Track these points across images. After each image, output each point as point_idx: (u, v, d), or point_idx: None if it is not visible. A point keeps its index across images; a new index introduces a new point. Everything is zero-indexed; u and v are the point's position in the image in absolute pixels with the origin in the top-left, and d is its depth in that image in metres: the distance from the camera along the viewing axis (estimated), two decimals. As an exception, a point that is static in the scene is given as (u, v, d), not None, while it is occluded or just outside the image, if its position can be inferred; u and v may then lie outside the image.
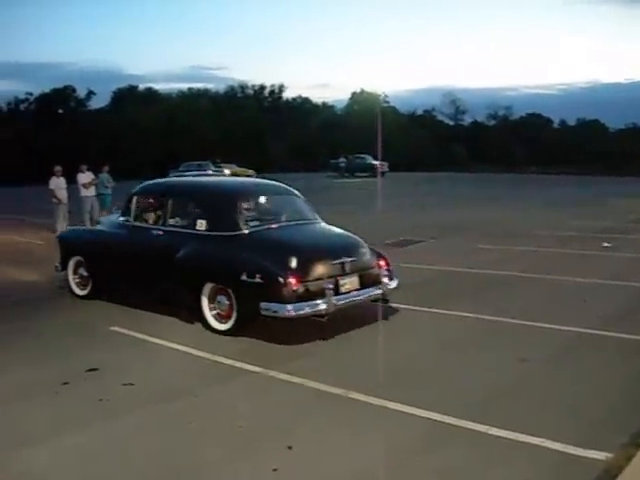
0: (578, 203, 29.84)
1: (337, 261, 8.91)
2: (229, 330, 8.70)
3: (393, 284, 9.63)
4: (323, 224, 10.58)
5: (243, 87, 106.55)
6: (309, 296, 8.35)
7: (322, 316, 8.35)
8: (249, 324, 8.63)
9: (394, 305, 9.70)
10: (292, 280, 8.25)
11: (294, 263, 8.39)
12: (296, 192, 11.11)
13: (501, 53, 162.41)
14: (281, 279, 8.26)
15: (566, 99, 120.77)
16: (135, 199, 10.86)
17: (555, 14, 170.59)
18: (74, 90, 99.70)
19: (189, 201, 10.41)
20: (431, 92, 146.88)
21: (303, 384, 6.70)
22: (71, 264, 11.46)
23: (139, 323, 9.30)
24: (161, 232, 10.06)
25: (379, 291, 9.26)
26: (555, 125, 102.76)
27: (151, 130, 79.21)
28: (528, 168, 70.55)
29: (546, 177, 58.72)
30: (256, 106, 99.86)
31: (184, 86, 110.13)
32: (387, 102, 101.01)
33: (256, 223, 9.63)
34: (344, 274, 8.89)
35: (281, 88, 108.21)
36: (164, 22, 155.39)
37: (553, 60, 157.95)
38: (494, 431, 5.49)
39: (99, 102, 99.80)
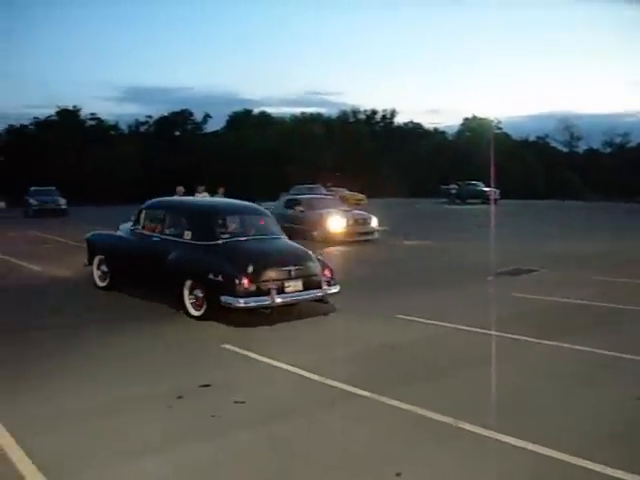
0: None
1: (284, 268, 11.38)
2: (202, 316, 11.23)
3: (334, 289, 12.06)
4: (283, 239, 13.05)
5: (355, 112, 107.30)
6: (258, 293, 10.83)
7: (266, 308, 11.00)
8: (215, 312, 11.00)
9: (507, 336, 9.55)
10: (245, 281, 10.78)
11: (249, 268, 10.88)
12: (266, 212, 14.04)
13: (619, 78, 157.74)
14: (236, 279, 10.78)
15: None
16: (143, 212, 13.70)
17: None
18: (191, 114, 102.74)
19: (179, 216, 13.04)
20: (545, 118, 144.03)
21: (412, 411, 6.63)
22: (95, 261, 14.48)
23: (250, 342, 9.44)
24: (158, 239, 12.80)
25: (320, 294, 11.73)
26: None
27: (264, 153, 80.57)
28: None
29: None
30: (368, 131, 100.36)
31: (298, 110, 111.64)
32: (499, 128, 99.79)
33: (228, 236, 12.33)
34: (290, 278, 11.33)
35: (393, 113, 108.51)
36: (280, 48, 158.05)
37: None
38: (610, 471, 5.28)
39: (215, 125, 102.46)
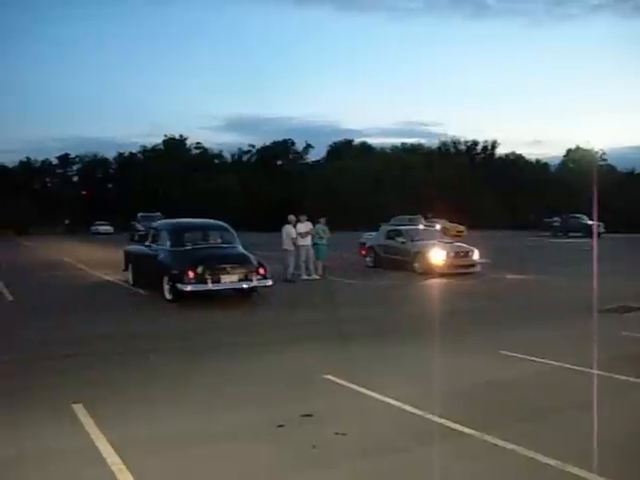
0: None
1: (222, 266, 16.89)
2: (172, 299, 16.84)
3: (267, 282, 17.59)
4: (235, 246, 18.65)
5: (456, 143, 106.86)
6: (200, 282, 16.36)
7: (207, 292, 16.58)
8: (178, 296, 16.61)
9: (615, 377, 9.31)
10: (190, 273, 16.32)
11: (196, 265, 16.45)
12: (227, 227, 19.53)
13: None
14: (185, 273, 16.37)
15: None
16: (151, 231, 20.04)
17: None
18: (293, 143, 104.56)
19: (165, 232, 18.97)
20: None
21: (516, 451, 6.47)
22: (130, 266, 20.94)
23: (352, 373, 9.43)
24: (155, 248, 18.85)
25: (251, 285, 17.26)
26: None
27: (364, 183, 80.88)
28: None
29: None
30: (468, 162, 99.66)
31: (398, 141, 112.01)
32: (604, 159, 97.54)
33: (191, 244, 18.39)
34: (226, 273, 16.84)
35: (494, 144, 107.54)
36: (381, 78, 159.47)
37: None
38: None
39: (316, 155, 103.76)
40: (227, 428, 7.26)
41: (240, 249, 18.35)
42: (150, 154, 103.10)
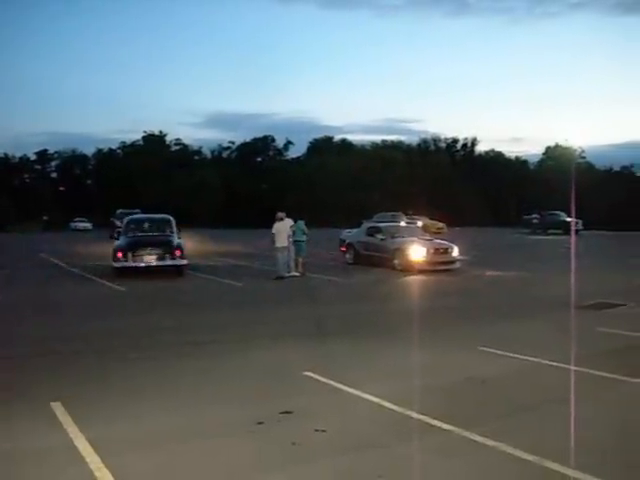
0: None
1: (145, 249, 22.15)
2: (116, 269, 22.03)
3: (180, 262, 22.38)
4: (166, 234, 23.97)
5: (436, 140, 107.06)
6: (125, 261, 21.76)
7: (130, 268, 21.86)
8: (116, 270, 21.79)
9: (593, 372, 9.39)
10: (119, 254, 21.81)
11: (123, 249, 21.93)
12: (168, 219, 25.11)
13: None
14: (116, 252, 21.89)
15: None
16: (123, 223, 25.83)
17: None
18: (273, 140, 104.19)
19: (123, 225, 25.15)
20: (632, 147, 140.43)
21: (496, 447, 6.50)
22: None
23: (332, 370, 9.44)
24: (118, 235, 24.19)
25: (166, 263, 22.22)
26: None
27: (344, 180, 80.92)
28: None
29: None
30: (448, 159, 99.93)
31: (378, 138, 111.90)
32: (583, 157, 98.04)
33: (133, 233, 23.99)
34: (148, 255, 21.99)
35: (474, 142, 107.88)
36: (362, 75, 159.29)
37: None
38: None
39: (296, 152, 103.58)
40: (207, 426, 7.25)
41: (167, 236, 23.67)
42: (129, 150, 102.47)
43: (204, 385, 9.03)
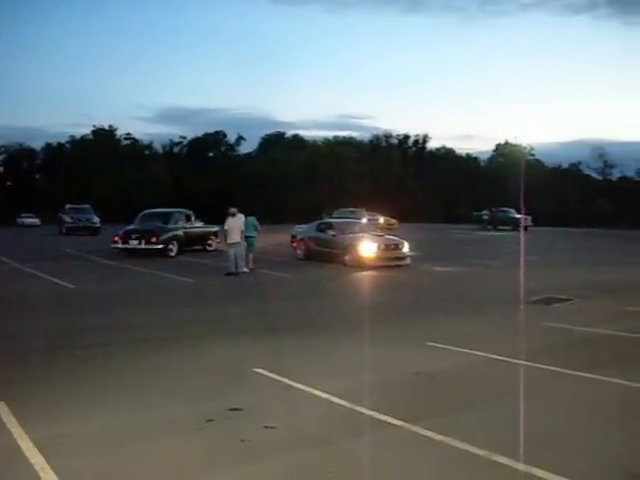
0: None
1: (134, 235, 28.12)
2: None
3: (154, 246, 27.41)
4: (155, 224, 29.08)
5: (387, 136, 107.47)
6: (118, 243, 28.29)
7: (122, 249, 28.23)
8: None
9: (539, 366, 9.53)
10: (116, 238, 28.56)
11: (118, 235, 28.97)
12: (168, 212, 31.26)
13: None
14: (113, 237, 29.06)
15: None
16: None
17: None
18: (225, 135, 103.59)
19: None
20: (579, 145, 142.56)
21: (444, 442, 6.54)
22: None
23: (282, 366, 9.41)
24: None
25: (142, 246, 27.52)
26: None
27: (295, 176, 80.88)
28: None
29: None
30: (400, 155, 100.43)
31: (331, 134, 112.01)
32: (532, 155, 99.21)
33: (135, 223, 30.32)
34: (132, 239, 27.83)
35: (425, 138, 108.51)
36: (315, 71, 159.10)
37: None
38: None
39: (248, 147, 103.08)
40: (155, 424, 7.15)
41: (155, 225, 29.01)
42: (79, 144, 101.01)
43: (152, 383, 8.92)
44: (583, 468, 6.00)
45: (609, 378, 9.06)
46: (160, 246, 27.75)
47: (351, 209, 45.59)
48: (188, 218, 30.84)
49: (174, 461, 6.17)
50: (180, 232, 29.26)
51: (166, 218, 29.84)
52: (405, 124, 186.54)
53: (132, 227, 29.49)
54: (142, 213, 31.63)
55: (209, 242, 31.42)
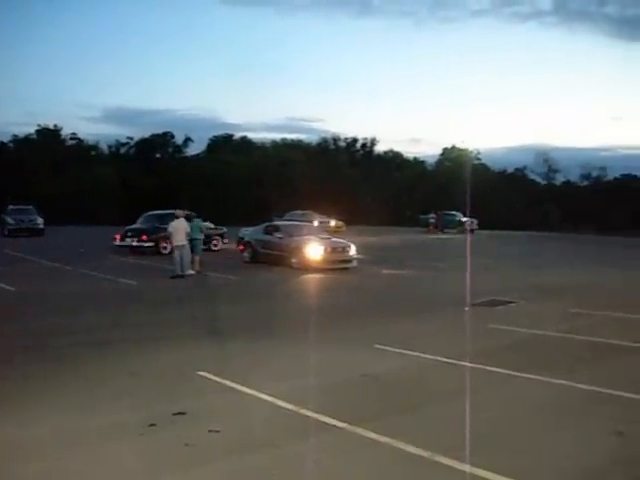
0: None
1: (128, 234, 30.67)
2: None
3: (143, 243, 29.85)
4: (153, 224, 30.61)
5: (336, 139, 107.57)
6: (118, 240, 30.78)
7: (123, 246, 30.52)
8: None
9: (484, 368, 9.63)
10: (117, 237, 31.08)
11: (118, 233, 31.46)
12: (161, 213, 30.86)
13: (598, 112, 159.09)
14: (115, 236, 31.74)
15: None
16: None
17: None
18: (172, 136, 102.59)
19: None
20: (525, 150, 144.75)
21: (389, 444, 6.55)
22: None
23: (227, 370, 9.36)
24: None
25: (133, 243, 30.25)
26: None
27: (243, 178, 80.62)
28: (621, 230, 68.76)
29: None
30: (347, 158, 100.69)
31: (280, 136, 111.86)
32: (479, 159, 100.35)
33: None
34: (129, 237, 30.59)
35: (373, 142, 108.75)
36: (264, 73, 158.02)
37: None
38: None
39: (196, 149, 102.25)
40: (97, 430, 7.02)
41: (151, 225, 30.78)
42: (22, 144, 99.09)
43: (95, 387, 8.78)
44: (526, 468, 6.06)
45: (552, 379, 9.19)
46: (151, 244, 29.75)
47: (302, 212, 45.65)
48: (188, 219, 30.65)
49: (115, 467, 6.09)
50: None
51: (163, 218, 29.71)
52: (354, 127, 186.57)
53: (131, 226, 31.95)
54: (145, 214, 33.62)
55: (214, 242, 32.74)
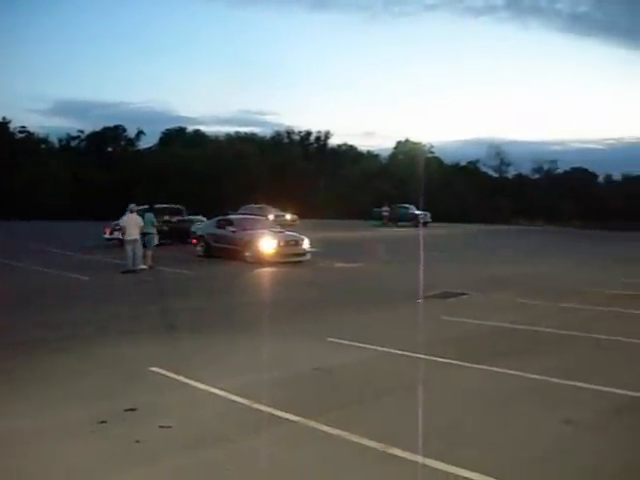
0: (629, 260, 29.11)
1: (116, 228, 29.38)
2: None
3: (121, 236, 24.56)
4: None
5: (290, 132, 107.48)
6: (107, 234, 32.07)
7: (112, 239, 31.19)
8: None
9: (436, 359, 9.72)
10: (107, 230, 32.40)
11: (108, 227, 32.47)
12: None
13: (550, 106, 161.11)
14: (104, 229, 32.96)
15: (614, 154, 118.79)
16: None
17: (607, 68, 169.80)
18: (124, 129, 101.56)
19: None
20: (477, 144, 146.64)
21: (342, 436, 6.56)
22: None
23: (179, 365, 9.29)
24: None
25: (114, 236, 30.53)
26: (600, 180, 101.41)
27: (196, 171, 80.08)
28: (572, 222, 69.88)
29: (592, 232, 57.52)
30: (301, 152, 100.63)
31: (234, 129, 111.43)
32: (432, 152, 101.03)
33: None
34: (116, 230, 29.16)
35: (327, 135, 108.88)
36: (219, 66, 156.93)
37: (603, 114, 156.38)
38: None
39: (148, 142, 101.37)
40: (46, 427, 6.92)
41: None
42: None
43: (44, 385, 8.65)
44: (478, 458, 6.10)
45: (503, 369, 9.31)
46: (126, 237, 29.76)
47: (258, 205, 45.58)
48: (177, 212, 33.45)
49: (64, 465, 6.00)
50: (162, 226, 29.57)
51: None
52: (308, 121, 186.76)
53: (118, 221, 31.30)
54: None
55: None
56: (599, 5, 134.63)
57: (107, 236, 32.06)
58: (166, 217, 31.99)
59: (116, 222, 30.38)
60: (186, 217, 34.36)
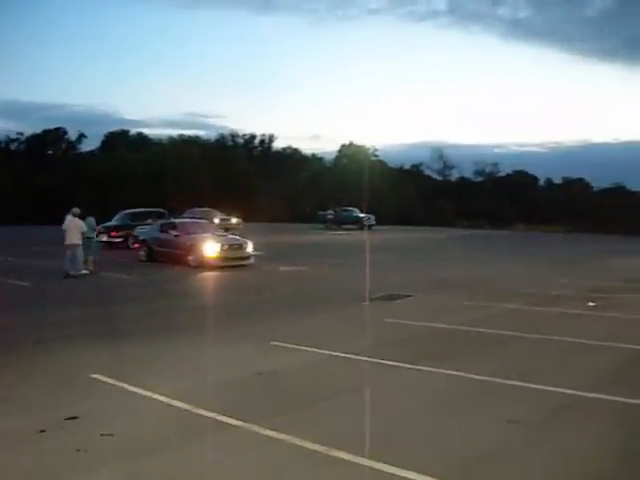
0: (567, 261, 29.77)
1: (103, 229, 31.72)
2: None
3: (117, 239, 32.56)
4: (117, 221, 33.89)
5: (234, 136, 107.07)
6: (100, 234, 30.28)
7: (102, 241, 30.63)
8: None
9: (380, 362, 9.73)
10: (112, 233, 33.26)
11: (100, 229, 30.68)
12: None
13: (492, 110, 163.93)
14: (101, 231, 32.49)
15: (554, 157, 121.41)
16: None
17: (547, 72, 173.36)
18: (65, 132, 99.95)
19: None
20: (421, 147, 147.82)
21: (286, 440, 6.55)
22: None
23: (120, 372, 9.16)
24: None
25: (102, 239, 30.66)
26: (541, 183, 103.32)
27: (139, 174, 79.28)
28: (513, 225, 70.99)
29: (533, 235, 58.54)
30: (245, 155, 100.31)
31: (178, 132, 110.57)
32: (376, 156, 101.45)
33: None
34: (103, 232, 31.48)
35: (271, 138, 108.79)
36: (164, 69, 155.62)
37: (544, 119, 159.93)
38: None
39: (90, 145, 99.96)
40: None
41: (123, 222, 33.64)
42: None
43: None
44: (421, 459, 6.16)
45: (445, 370, 9.40)
46: (119, 239, 32.70)
47: (202, 209, 45.29)
48: (160, 216, 34.38)
49: (2, 477, 5.84)
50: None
51: (135, 216, 34.49)
52: (254, 124, 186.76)
53: (105, 224, 33.51)
54: (121, 212, 36.20)
55: None
56: (539, 11, 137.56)
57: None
58: (149, 221, 32.30)
59: (103, 225, 32.58)
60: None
